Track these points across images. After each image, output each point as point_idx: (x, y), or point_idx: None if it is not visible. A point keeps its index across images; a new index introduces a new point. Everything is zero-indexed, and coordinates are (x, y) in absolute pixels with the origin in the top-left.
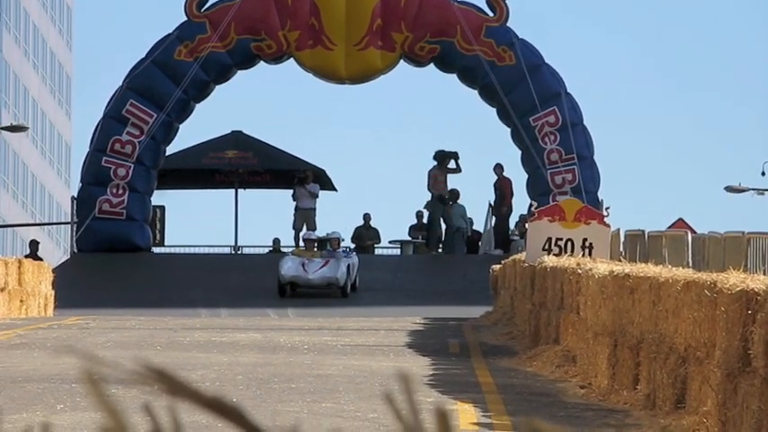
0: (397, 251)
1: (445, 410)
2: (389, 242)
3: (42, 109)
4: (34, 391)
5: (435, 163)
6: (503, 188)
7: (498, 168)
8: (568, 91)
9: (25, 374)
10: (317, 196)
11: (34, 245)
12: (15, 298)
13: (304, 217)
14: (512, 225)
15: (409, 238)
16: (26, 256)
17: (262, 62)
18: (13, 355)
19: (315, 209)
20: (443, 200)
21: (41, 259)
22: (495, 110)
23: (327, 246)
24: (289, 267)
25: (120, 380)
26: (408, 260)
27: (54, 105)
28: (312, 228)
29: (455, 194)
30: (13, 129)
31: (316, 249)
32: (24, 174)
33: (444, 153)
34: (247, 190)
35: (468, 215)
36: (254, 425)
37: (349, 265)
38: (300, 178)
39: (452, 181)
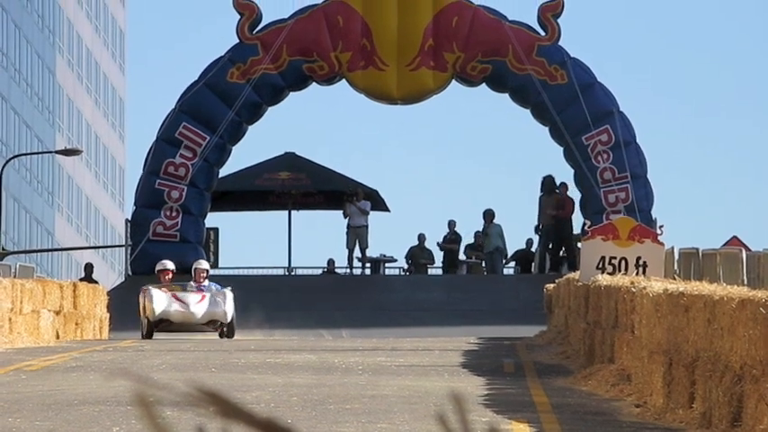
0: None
1: (499, 430)
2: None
3: (96, 132)
4: (90, 414)
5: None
6: (566, 206)
7: (563, 187)
8: (621, 109)
9: (81, 397)
10: (367, 213)
11: (89, 268)
12: (71, 321)
13: (356, 235)
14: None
15: (464, 258)
16: (81, 280)
17: (314, 83)
18: (68, 378)
19: (367, 226)
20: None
21: (96, 282)
22: (547, 129)
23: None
24: (162, 300)
25: (175, 402)
26: (462, 280)
27: (107, 128)
28: (364, 246)
29: (491, 214)
30: (67, 152)
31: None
32: (79, 197)
33: (552, 180)
34: (300, 211)
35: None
36: None
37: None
38: (351, 195)
39: (490, 202)
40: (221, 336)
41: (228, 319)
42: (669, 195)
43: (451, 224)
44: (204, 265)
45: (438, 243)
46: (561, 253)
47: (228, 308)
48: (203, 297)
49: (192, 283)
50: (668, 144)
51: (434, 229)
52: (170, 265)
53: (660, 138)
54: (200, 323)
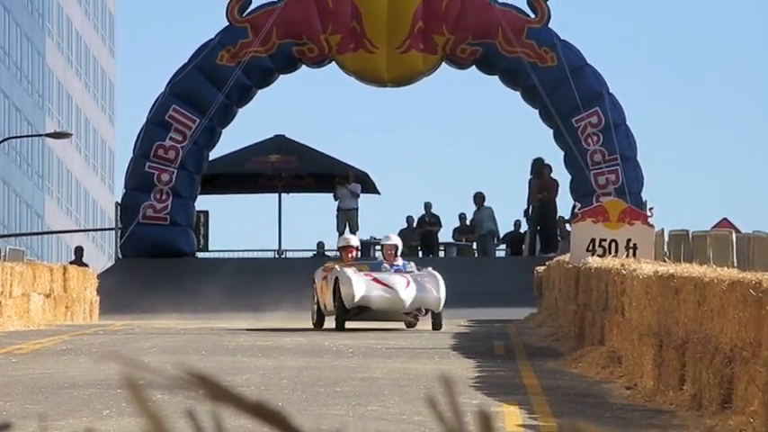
0: (441, 253)
1: (488, 413)
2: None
3: (86, 115)
4: (80, 397)
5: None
6: (550, 189)
7: (547, 169)
8: (611, 91)
9: (71, 380)
10: (358, 196)
11: (79, 251)
12: (61, 304)
13: (346, 217)
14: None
15: (453, 241)
16: (71, 263)
17: (304, 66)
18: (59, 361)
19: (357, 209)
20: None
21: (86, 265)
22: (537, 111)
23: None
24: (360, 283)
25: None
26: (452, 263)
27: (97, 112)
28: (355, 229)
29: (481, 197)
30: (56, 135)
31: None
32: (68, 180)
33: (541, 163)
34: (291, 194)
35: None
36: (298, 429)
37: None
38: (342, 178)
39: (481, 184)
40: (432, 327)
41: (440, 308)
42: (659, 178)
43: (428, 206)
44: (394, 239)
45: (416, 227)
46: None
47: (442, 294)
48: (408, 281)
49: (384, 263)
50: (658, 126)
51: (422, 212)
52: (354, 241)
53: (650, 120)
54: (407, 311)
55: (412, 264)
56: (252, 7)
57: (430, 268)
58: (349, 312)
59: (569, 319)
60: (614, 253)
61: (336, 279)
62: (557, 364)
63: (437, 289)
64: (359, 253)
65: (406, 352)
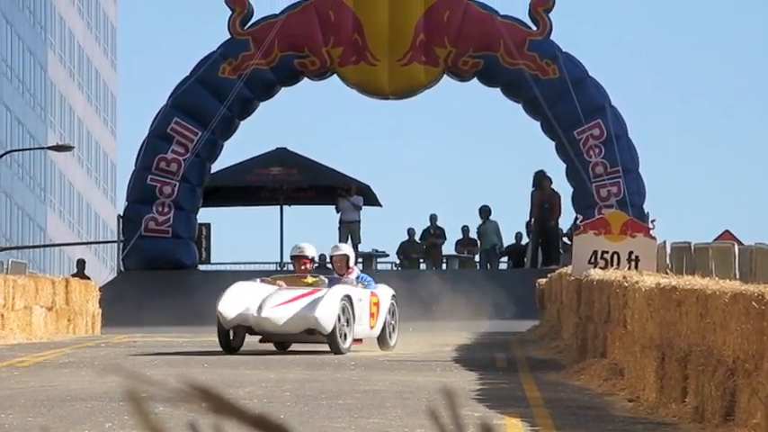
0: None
1: (490, 425)
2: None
3: (88, 128)
4: (83, 410)
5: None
6: (552, 201)
7: (547, 181)
8: (612, 104)
9: (73, 393)
10: (360, 208)
11: (81, 264)
12: (63, 317)
13: (349, 230)
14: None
15: (456, 253)
16: (73, 275)
17: (306, 79)
18: (61, 374)
19: (359, 221)
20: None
21: (88, 278)
22: (539, 123)
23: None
24: (239, 298)
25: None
26: (454, 275)
27: (99, 124)
28: (357, 241)
29: (487, 211)
30: (59, 148)
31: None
32: (71, 193)
33: (543, 176)
34: (292, 206)
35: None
36: None
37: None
38: (344, 190)
39: (482, 196)
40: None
41: (327, 328)
42: (661, 190)
43: (433, 218)
44: (344, 249)
45: (418, 239)
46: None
47: (326, 312)
48: (298, 296)
49: (321, 277)
50: (660, 138)
51: (426, 224)
52: (309, 250)
53: (652, 132)
54: (290, 332)
55: (363, 280)
56: (253, 20)
57: (366, 281)
58: (228, 333)
59: (571, 331)
60: (616, 265)
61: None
62: (559, 377)
63: (324, 306)
64: (313, 264)
65: (409, 364)
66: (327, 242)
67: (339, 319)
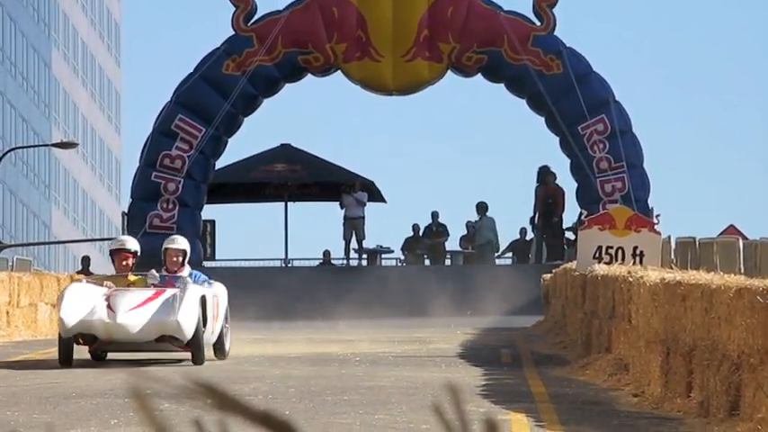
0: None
1: (495, 421)
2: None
3: (92, 125)
4: (88, 407)
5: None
6: (556, 197)
7: (551, 176)
8: (617, 99)
9: (79, 390)
10: (364, 204)
11: (86, 261)
12: None
13: (353, 226)
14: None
15: (459, 249)
16: (78, 272)
17: (309, 75)
18: (66, 371)
19: (363, 217)
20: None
21: (93, 275)
22: (543, 119)
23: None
24: (81, 304)
25: (171, 395)
26: (458, 270)
27: (103, 121)
28: (361, 237)
29: (484, 207)
30: (63, 145)
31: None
32: (75, 190)
33: (547, 171)
34: (297, 203)
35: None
36: None
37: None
38: (348, 186)
39: (487, 192)
40: (191, 360)
41: (187, 335)
42: (666, 185)
43: (435, 215)
44: (181, 243)
45: (422, 236)
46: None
47: (186, 316)
48: (149, 298)
49: (152, 271)
50: (664, 133)
51: (430, 220)
52: (131, 244)
53: (656, 127)
54: (144, 340)
55: (196, 277)
56: (257, 16)
57: (209, 282)
58: (69, 342)
59: (576, 326)
60: (621, 260)
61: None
62: (564, 372)
63: (179, 309)
64: (135, 259)
65: (413, 360)
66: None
67: (199, 324)
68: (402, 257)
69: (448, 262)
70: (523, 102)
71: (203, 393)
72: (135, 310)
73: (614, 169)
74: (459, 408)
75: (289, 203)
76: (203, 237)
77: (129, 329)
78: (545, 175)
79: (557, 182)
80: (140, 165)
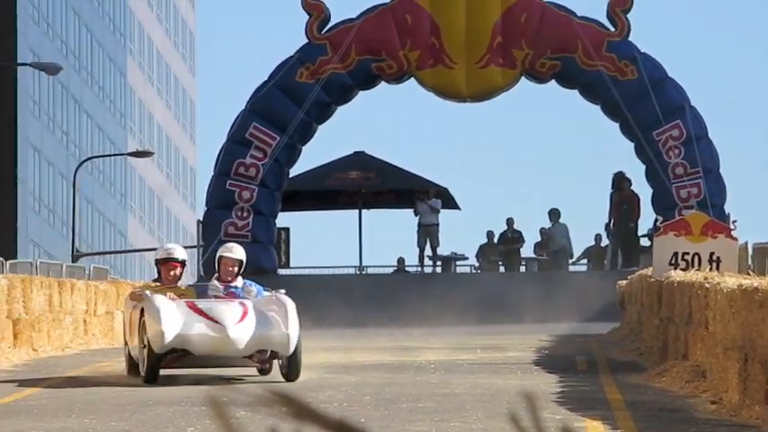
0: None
1: (571, 428)
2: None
3: (167, 134)
4: (165, 414)
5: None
6: (631, 203)
7: (626, 182)
8: (692, 104)
9: (155, 398)
10: (438, 211)
11: None
12: None
13: (427, 233)
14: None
15: (534, 256)
16: (154, 281)
17: (383, 82)
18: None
19: (438, 225)
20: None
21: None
22: (618, 124)
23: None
24: (174, 316)
25: (247, 403)
26: (533, 277)
27: (178, 130)
28: (435, 244)
29: (556, 214)
30: (138, 154)
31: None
32: (150, 198)
33: (623, 177)
34: (371, 210)
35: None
36: None
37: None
38: (422, 193)
39: (561, 198)
40: (285, 376)
41: (291, 349)
42: (742, 190)
43: (510, 222)
44: (238, 253)
45: (497, 243)
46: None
47: (292, 329)
48: (245, 310)
49: (215, 282)
50: (740, 138)
51: (505, 226)
52: (178, 252)
53: (732, 132)
54: (243, 355)
55: (253, 287)
56: (330, 24)
57: (282, 291)
58: (161, 358)
59: (652, 333)
60: (697, 266)
61: (142, 311)
62: (640, 379)
63: (285, 322)
64: (182, 269)
65: (488, 367)
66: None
67: (300, 337)
68: (476, 264)
69: (522, 269)
70: (598, 108)
71: (279, 402)
72: (241, 324)
73: (690, 175)
74: (534, 415)
75: (363, 211)
76: (278, 244)
77: (237, 344)
78: (620, 181)
79: (632, 188)
80: (215, 173)
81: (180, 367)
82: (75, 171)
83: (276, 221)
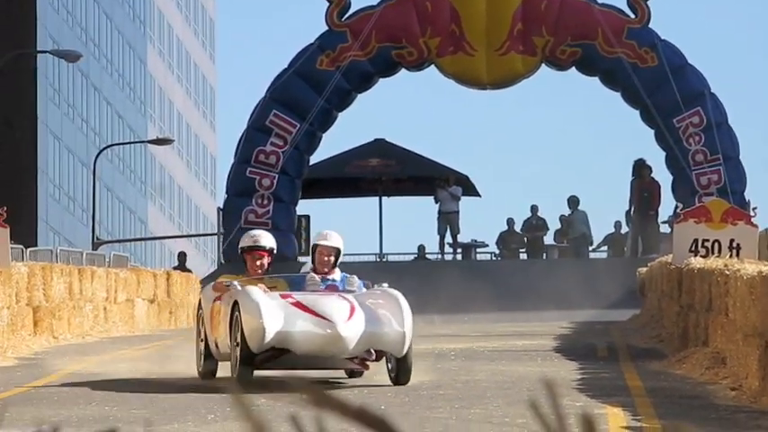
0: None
1: (591, 416)
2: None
3: (187, 121)
4: (185, 402)
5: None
6: (652, 190)
7: (647, 170)
8: (712, 91)
9: (176, 385)
10: (459, 198)
11: (182, 256)
12: (164, 309)
13: (447, 221)
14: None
15: (554, 243)
16: (174, 268)
17: (403, 69)
18: (163, 366)
19: (458, 212)
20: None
21: (190, 271)
22: (638, 112)
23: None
24: (275, 312)
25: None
26: (553, 264)
27: (198, 117)
28: (456, 232)
29: (575, 201)
30: (159, 142)
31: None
32: (171, 186)
33: (643, 164)
34: (391, 197)
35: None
36: None
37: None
38: (442, 180)
39: (581, 185)
40: (393, 380)
41: (405, 349)
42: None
43: (534, 209)
44: (334, 240)
45: (520, 230)
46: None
47: (407, 326)
48: (352, 306)
49: (312, 274)
50: (761, 125)
51: (525, 213)
52: (266, 239)
53: (752, 119)
54: (351, 356)
55: (354, 278)
56: (351, 12)
57: (386, 285)
58: (257, 358)
59: (672, 320)
60: (717, 253)
61: (236, 305)
62: (660, 366)
63: (399, 319)
64: (271, 258)
65: (509, 354)
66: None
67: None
68: (497, 251)
69: (544, 256)
70: (618, 95)
71: (299, 390)
72: (351, 321)
73: (710, 162)
74: (555, 402)
75: (383, 198)
76: (298, 232)
77: (347, 343)
78: (640, 168)
79: (652, 175)
80: (235, 161)
81: (275, 368)
82: (96, 158)
83: (296, 209)
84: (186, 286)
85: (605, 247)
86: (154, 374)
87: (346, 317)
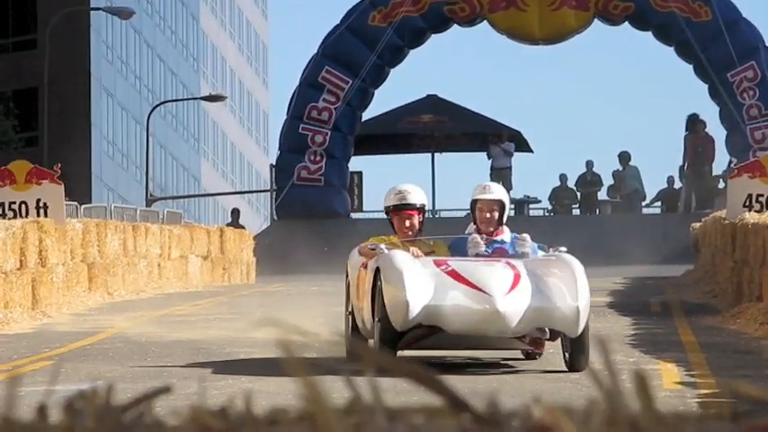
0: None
1: (644, 374)
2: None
3: (240, 78)
4: (239, 359)
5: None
6: (705, 145)
7: (700, 125)
8: (767, 45)
9: (229, 341)
10: (511, 154)
11: (235, 213)
12: (218, 266)
13: (500, 177)
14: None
15: (608, 199)
16: (228, 225)
17: (455, 25)
18: (217, 323)
19: (510, 167)
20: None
21: (243, 227)
22: (691, 66)
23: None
24: (423, 282)
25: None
26: (607, 220)
27: (251, 74)
28: (509, 188)
29: (626, 157)
30: (212, 98)
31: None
32: (224, 143)
33: (697, 119)
34: (443, 154)
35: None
36: (454, 394)
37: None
38: (495, 136)
39: (634, 141)
40: (568, 365)
41: (581, 328)
42: None
43: (589, 164)
44: (498, 193)
45: (574, 186)
46: None
47: (582, 300)
48: (518, 275)
49: (475, 235)
50: None
51: (578, 169)
52: (415, 196)
53: None
54: (514, 335)
55: (527, 238)
56: None
57: (564, 249)
58: (403, 338)
59: (726, 275)
60: None
61: (377, 273)
62: (714, 321)
63: (573, 292)
64: (422, 217)
65: None
66: None
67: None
68: (549, 207)
69: (597, 212)
70: (671, 49)
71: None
72: (513, 293)
73: (764, 116)
74: (608, 358)
75: (435, 154)
76: (351, 188)
77: (507, 320)
78: (694, 123)
79: (706, 130)
80: (288, 117)
81: (423, 348)
82: (149, 115)
83: (349, 165)
84: (239, 242)
85: (659, 203)
86: (207, 331)
87: (507, 289)
